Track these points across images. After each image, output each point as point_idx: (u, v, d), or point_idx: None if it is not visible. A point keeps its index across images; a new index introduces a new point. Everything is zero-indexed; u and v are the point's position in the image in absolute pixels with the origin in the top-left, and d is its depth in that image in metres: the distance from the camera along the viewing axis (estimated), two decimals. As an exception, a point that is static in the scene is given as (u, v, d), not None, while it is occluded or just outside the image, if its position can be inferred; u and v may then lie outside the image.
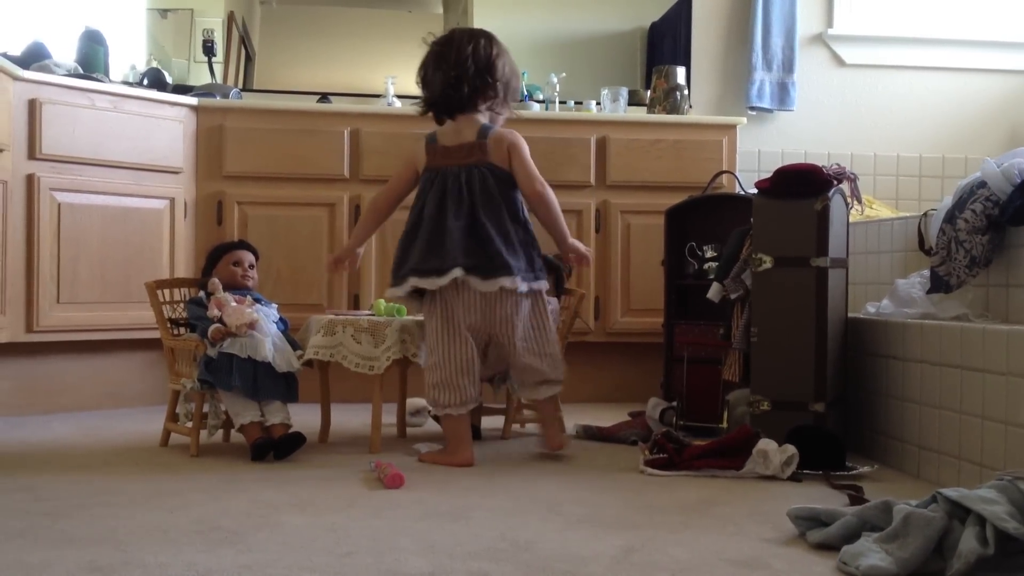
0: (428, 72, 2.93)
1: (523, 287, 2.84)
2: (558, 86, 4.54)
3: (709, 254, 3.49)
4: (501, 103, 2.96)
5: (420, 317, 3.01)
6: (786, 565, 1.85)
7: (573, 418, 3.23)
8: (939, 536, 1.78)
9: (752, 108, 4.80)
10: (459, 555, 1.88)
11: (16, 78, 3.44)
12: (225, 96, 4.17)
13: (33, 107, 3.49)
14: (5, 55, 3.56)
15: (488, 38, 2.94)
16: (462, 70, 2.87)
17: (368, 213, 3.09)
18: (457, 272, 2.78)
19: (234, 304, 2.88)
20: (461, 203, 2.84)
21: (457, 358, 2.84)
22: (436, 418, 3.30)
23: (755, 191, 2.99)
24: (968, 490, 1.85)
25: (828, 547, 1.93)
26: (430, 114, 2.96)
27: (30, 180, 3.49)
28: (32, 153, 3.50)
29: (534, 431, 3.40)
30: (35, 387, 3.64)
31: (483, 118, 2.93)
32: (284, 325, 3.03)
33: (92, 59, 3.96)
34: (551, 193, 2.92)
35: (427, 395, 2.90)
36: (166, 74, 4.26)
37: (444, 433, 2.94)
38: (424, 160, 2.93)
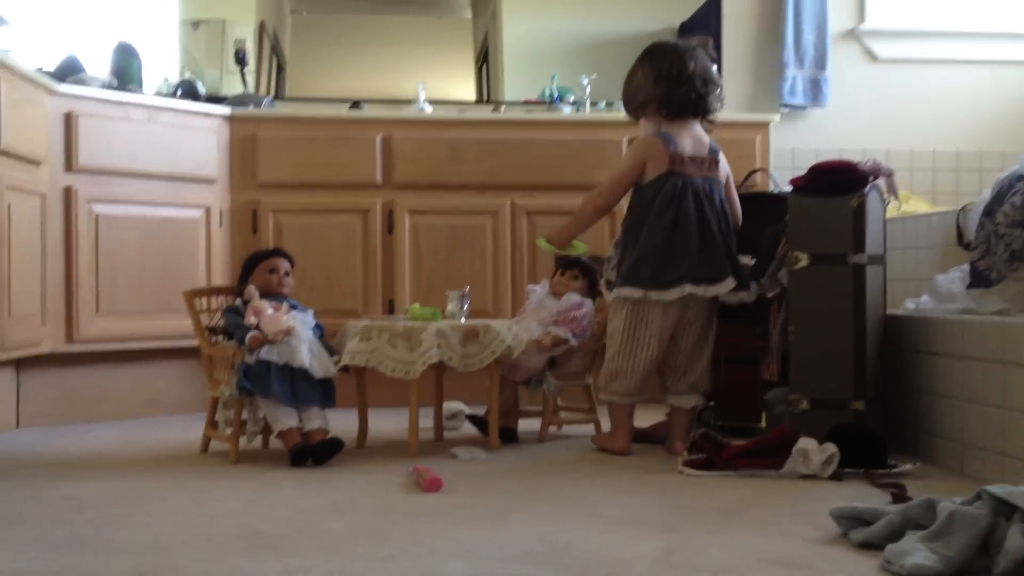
0: (690, 66, 3.00)
1: (751, 298, 3.06)
2: (589, 88, 4.53)
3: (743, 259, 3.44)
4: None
5: (456, 321, 3.05)
6: (829, 565, 1.83)
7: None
8: (985, 534, 1.76)
9: (785, 105, 4.76)
10: (498, 559, 1.88)
11: (52, 92, 3.49)
12: (258, 105, 4.20)
13: (69, 120, 3.53)
14: (41, 70, 3.60)
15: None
16: (711, 78, 3.05)
17: (596, 214, 3.17)
18: (731, 282, 2.98)
19: (271, 311, 2.89)
20: (713, 215, 2.99)
21: (637, 355, 2.98)
22: (474, 421, 3.31)
23: (790, 189, 2.97)
24: (1013, 487, 1.82)
25: (871, 546, 1.90)
26: (655, 110, 3.04)
27: (67, 192, 3.53)
28: (69, 166, 3.54)
29: (570, 433, 3.39)
30: (76, 397, 3.68)
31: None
32: (320, 331, 3.04)
33: (126, 72, 3.99)
34: None
35: (600, 380, 3.07)
36: (199, 85, 4.29)
37: (610, 418, 3.08)
38: (665, 163, 2.99)
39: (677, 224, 2.95)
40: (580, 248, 3.21)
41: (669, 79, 3.00)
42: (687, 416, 3.06)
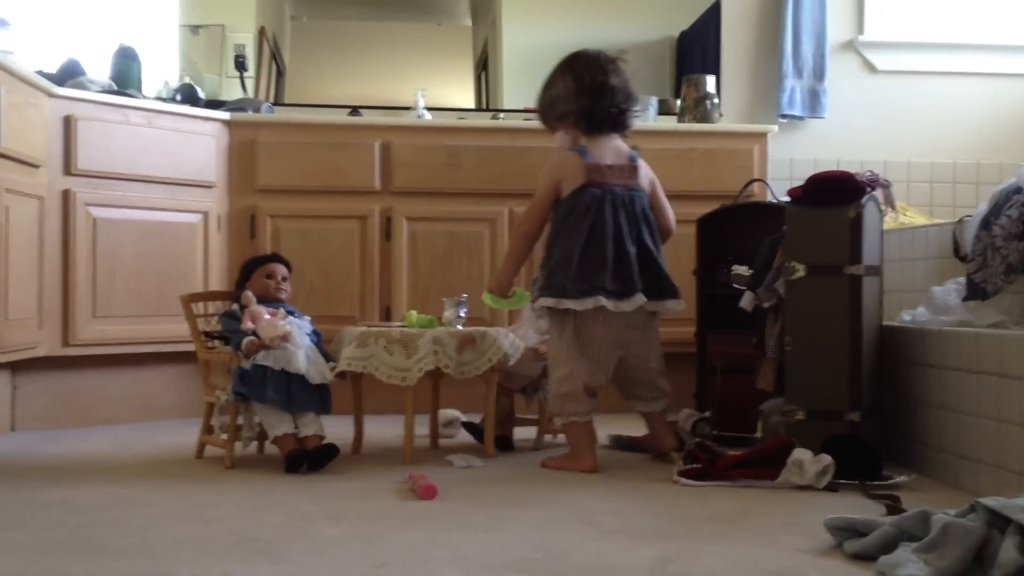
0: (612, 80, 2.96)
1: (680, 307, 3.01)
2: (588, 96, 4.52)
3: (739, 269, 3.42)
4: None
5: (453, 328, 3.04)
6: (823, 576, 1.84)
7: (604, 428, 3.22)
8: (978, 546, 1.76)
9: (783, 116, 4.77)
10: (493, 566, 1.88)
11: (51, 95, 3.49)
12: (257, 110, 4.20)
13: (68, 124, 3.54)
14: (41, 72, 3.60)
15: None
16: (631, 92, 3.00)
17: (524, 242, 3.06)
18: (641, 298, 2.90)
19: (268, 317, 2.89)
20: (631, 226, 2.93)
21: (586, 374, 2.92)
22: (470, 428, 3.31)
23: (788, 199, 2.97)
24: (1008, 499, 1.82)
25: (865, 557, 1.91)
26: (575, 122, 2.99)
27: (66, 196, 3.53)
28: (68, 169, 3.54)
29: (566, 441, 3.38)
30: (71, 400, 3.68)
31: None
32: (317, 337, 3.05)
33: (126, 75, 4.00)
34: None
35: (552, 404, 2.99)
36: (199, 89, 4.30)
37: (568, 440, 3.00)
38: (582, 175, 2.93)
39: (593, 233, 2.88)
40: (523, 297, 3.11)
41: (592, 92, 2.95)
42: (663, 415, 3.08)
